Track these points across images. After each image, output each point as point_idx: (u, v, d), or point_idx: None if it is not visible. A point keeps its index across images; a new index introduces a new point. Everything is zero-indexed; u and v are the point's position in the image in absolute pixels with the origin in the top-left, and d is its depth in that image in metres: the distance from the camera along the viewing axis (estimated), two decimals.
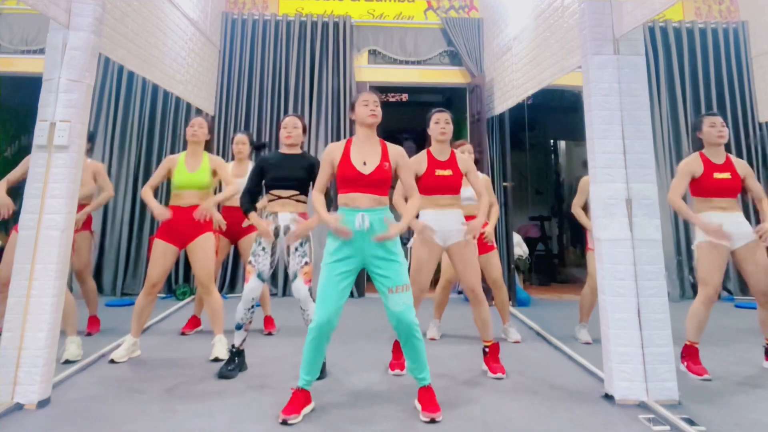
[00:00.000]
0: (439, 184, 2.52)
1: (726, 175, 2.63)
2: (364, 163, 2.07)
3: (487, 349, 2.57)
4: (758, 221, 4.75)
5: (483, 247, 3.11)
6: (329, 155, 2.13)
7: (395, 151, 2.16)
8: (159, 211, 2.71)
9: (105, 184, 3.24)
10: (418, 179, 2.54)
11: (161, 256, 2.74)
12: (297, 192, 2.59)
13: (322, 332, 1.98)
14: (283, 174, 2.57)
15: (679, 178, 2.69)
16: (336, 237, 2.05)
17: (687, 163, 2.70)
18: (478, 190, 2.57)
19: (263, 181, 2.62)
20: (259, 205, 3.07)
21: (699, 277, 2.61)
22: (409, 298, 2.03)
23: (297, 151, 2.67)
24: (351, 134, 2.20)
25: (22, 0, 2.06)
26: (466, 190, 3.15)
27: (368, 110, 2.12)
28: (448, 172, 2.53)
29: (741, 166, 2.69)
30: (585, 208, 3.11)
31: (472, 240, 2.55)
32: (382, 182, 2.07)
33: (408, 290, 2.03)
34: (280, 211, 2.56)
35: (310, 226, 2.47)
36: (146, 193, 2.79)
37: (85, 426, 1.90)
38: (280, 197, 2.57)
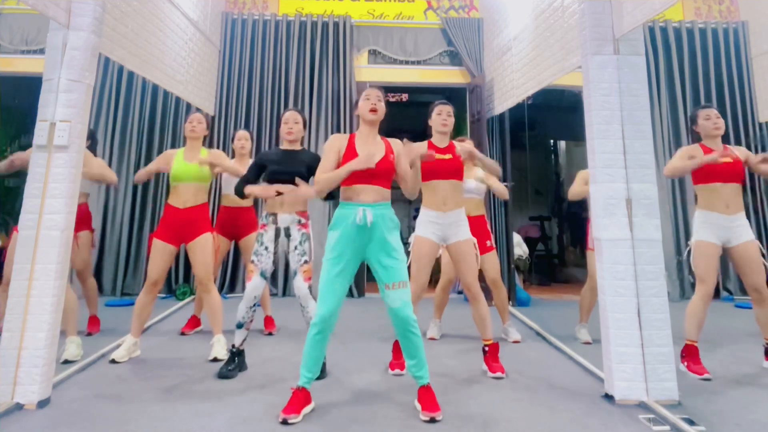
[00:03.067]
0: (439, 168, 2.53)
1: (727, 159, 2.64)
2: (371, 154, 2.07)
3: (486, 348, 2.57)
4: (758, 221, 4.78)
5: (482, 247, 3.11)
6: (335, 143, 2.11)
7: (397, 144, 2.19)
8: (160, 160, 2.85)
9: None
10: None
11: (161, 254, 2.76)
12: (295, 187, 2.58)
13: (324, 326, 2.00)
14: (282, 168, 2.55)
15: (676, 157, 2.75)
16: (337, 231, 2.06)
17: (686, 148, 2.78)
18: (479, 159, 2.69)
19: (262, 176, 2.62)
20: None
21: (697, 274, 2.63)
22: (406, 295, 2.04)
23: (297, 147, 2.68)
24: (352, 132, 2.20)
25: (22, 0, 2.06)
26: (468, 182, 3.16)
27: (369, 104, 2.13)
28: (447, 156, 2.57)
29: (740, 151, 2.72)
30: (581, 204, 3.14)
31: (472, 238, 2.56)
32: (387, 173, 2.09)
33: (405, 287, 2.04)
34: (279, 212, 2.56)
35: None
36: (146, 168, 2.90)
37: (85, 426, 1.90)
38: (278, 192, 2.56)
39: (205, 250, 2.82)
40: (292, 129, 2.63)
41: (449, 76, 5.38)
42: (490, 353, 2.56)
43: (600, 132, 2.32)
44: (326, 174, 2.05)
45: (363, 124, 2.17)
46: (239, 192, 2.56)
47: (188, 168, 2.83)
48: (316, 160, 2.62)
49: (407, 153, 2.14)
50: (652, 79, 4.95)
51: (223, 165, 2.92)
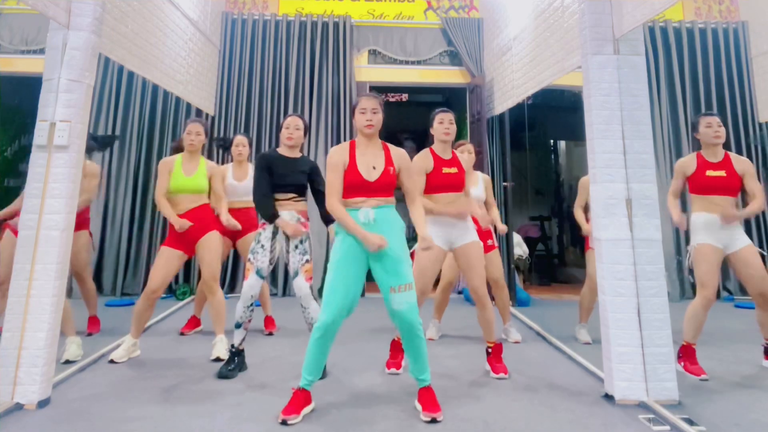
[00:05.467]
0: (445, 182, 2.52)
1: (720, 173, 2.64)
2: (371, 169, 2.05)
3: (490, 350, 2.57)
4: (757, 225, 4.78)
5: (484, 247, 3.11)
6: (338, 159, 2.05)
7: (398, 154, 2.15)
8: (179, 223, 2.72)
9: (89, 187, 3.08)
10: (426, 177, 2.53)
11: (165, 263, 2.74)
12: (295, 195, 2.60)
13: (328, 332, 1.98)
14: (283, 181, 2.55)
15: (674, 178, 2.83)
16: (343, 234, 2.05)
17: (681, 161, 2.79)
18: (468, 191, 2.62)
19: None
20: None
21: (698, 279, 2.62)
22: (412, 297, 2.03)
23: (296, 153, 2.66)
24: (351, 135, 2.21)
25: (22, 0, 2.06)
26: (475, 190, 3.17)
27: (365, 119, 2.08)
28: (453, 170, 2.55)
29: (740, 163, 2.68)
30: (586, 207, 3.13)
31: (479, 241, 2.55)
32: (388, 186, 2.08)
33: (411, 289, 2.03)
34: (280, 210, 2.56)
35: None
36: (163, 204, 2.80)
37: (85, 426, 1.90)
38: (278, 200, 2.58)
39: (212, 250, 2.81)
40: (292, 135, 2.60)
41: (449, 76, 5.38)
42: (494, 354, 2.56)
43: (600, 132, 2.32)
44: (340, 213, 2.01)
45: (361, 135, 2.14)
46: (268, 215, 2.50)
47: (186, 181, 2.82)
48: (315, 169, 2.64)
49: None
50: (652, 79, 4.95)
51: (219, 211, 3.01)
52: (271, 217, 2.50)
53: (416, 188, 2.20)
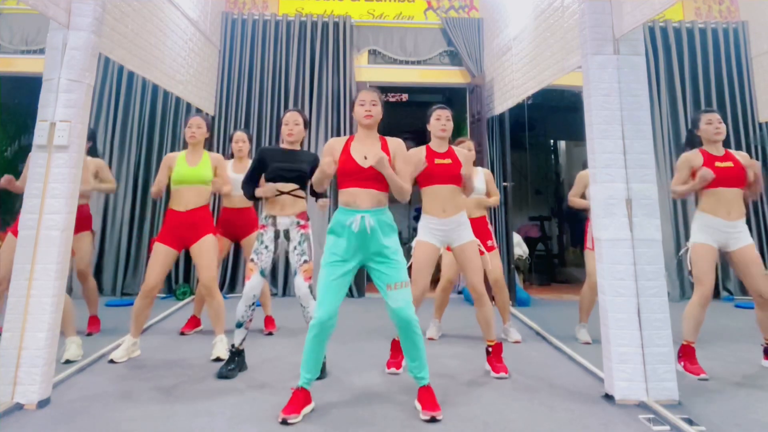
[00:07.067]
0: (438, 172, 2.52)
1: (728, 164, 2.64)
2: (365, 157, 2.08)
3: (490, 349, 2.57)
4: (758, 224, 4.77)
5: (484, 247, 3.11)
6: (330, 148, 2.16)
7: (394, 143, 2.19)
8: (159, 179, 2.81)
9: (108, 178, 3.28)
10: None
11: (160, 260, 2.73)
12: (297, 186, 2.60)
13: (323, 329, 1.99)
14: (284, 166, 2.57)
15: (678, 171, 2.76)
16: (336, 235, 2.07)
17: (686, 155, 2.75)
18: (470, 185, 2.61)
19: (263, 174, 2.63)
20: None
21: (695, 276, 2.63)
22: (408, 295, 2.04)
23: (297, 147, 2.69)
24: (351, 134, 2.22)
25: (22, 0, 2.06)
26: (476, 182, 3.16)
27: (363, 110, 2.14)
28: (447, 161, 2.55)
29: (742, 156, 2.72)
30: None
31: (475, 240, 2.55)
32: (381, 176, 2.08)
33: (407, 287, 2.05)
34: (279, 215, 2.57)
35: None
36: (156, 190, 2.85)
37: (85, 426, 1.90)
38: (280, 192, 2.57)
39: (209, 253, 2.79)
40: (292, 131, 2.63)
41: (449, 76, 5.38)
42: (494, 353, 2.56)
43: (600, 132, 2.32)
44: (315, 176, 2.16)
45: (360, 127, 2.19)
46: (249, 195, 2.62)
47: (190, 171, 2.82)
48: (316, 160, 2.64)
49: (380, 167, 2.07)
50: (652, 79, 4.95)
51: (218, 187, 2.92)
52: (251, 197, 2.62)
53: (406, 173, 2.17)
